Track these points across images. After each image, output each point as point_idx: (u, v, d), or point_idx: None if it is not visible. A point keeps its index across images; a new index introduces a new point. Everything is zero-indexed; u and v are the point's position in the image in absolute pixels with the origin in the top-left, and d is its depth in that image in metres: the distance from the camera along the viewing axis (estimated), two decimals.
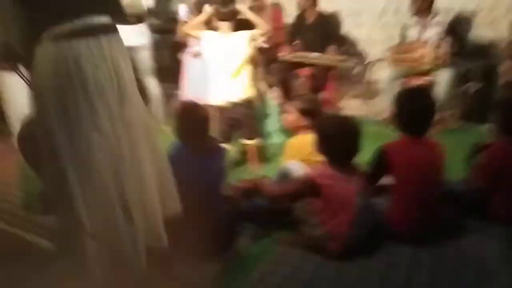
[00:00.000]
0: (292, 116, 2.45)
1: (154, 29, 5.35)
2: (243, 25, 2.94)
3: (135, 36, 3.57)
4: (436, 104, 2.18)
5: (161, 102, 3.96)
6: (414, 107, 2.05)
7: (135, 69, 3.68)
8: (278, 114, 3.21)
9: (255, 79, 3.09)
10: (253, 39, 2.92)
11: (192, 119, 2.00)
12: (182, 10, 3.94)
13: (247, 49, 2.86)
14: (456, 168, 2.43)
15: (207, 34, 2.85)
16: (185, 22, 3.59)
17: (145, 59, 3.75)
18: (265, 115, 3.21)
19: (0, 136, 3.54)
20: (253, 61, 3.05)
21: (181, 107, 2.11)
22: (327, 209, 1.90)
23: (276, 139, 3.18)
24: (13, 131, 3.35)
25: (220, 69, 2.84)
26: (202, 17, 2.83)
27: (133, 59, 3.65)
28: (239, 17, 2.91)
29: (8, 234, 2.22)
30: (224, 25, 2.84)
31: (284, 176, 2.19)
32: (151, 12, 3.79)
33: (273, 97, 3.27)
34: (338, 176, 1.89)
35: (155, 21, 5.52)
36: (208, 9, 2.85)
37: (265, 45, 4.69)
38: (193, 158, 1.99)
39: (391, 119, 2.20)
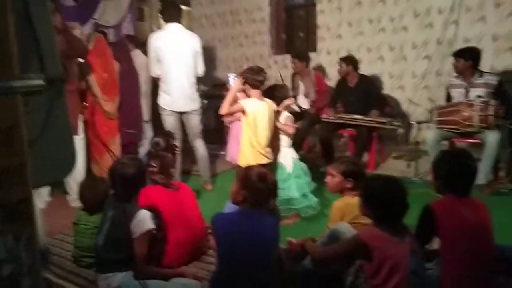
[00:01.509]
0: (336, 179, 2.46)
1: (202, 95, 5.71)
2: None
3: (191, 102, 3.85)
4: (477, 166, 2.14)
5: (208, 163, 4.11)
6: (453, 167, 2.04)
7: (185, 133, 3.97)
8: (308, 175, 3.22)
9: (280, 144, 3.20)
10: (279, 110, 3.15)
11: (263, 183, 2.02)
12: (231, 78, 4.21)
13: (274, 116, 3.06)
14: (509, 232, 2.33)
15: (249, 102, 3.02)
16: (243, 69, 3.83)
17: (196, 122, 3.96)
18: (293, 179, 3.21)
19: (56, 194, 3.80)
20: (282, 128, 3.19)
21: (250, 171, 2.11)
22: (379, 273, 1.84)
23: (308, 203, 3.17)
24: (68, 190, 3.59)
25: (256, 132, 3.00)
26: (230, 95, 3.02)
27: (185, 123, 3.94)
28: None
29: (52, 283, 2.33)
30: (256, 93, 3.03)
31: (334, 238, 2.15)
32: (200, 79, 4.08)
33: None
34: (388, 238, 1.83)
35: (203, 87, 5.92)
36: (235, 82, 3.12)
37: (309, 110, 4.88)
38: (251, 222, 1.99)
39: (431, 181, 2.17)
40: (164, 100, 3.88)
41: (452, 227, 1.94)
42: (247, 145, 3.02)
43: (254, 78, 3.00)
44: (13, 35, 0.83)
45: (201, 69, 3.90)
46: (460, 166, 2.03)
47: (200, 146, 4.01)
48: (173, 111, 3.87)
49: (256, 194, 2.01)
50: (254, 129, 2.98)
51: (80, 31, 5.33)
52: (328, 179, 2.50)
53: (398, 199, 1.86)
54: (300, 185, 3.15)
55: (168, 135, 3.33)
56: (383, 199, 1.88)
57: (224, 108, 3.03)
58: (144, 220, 2.17)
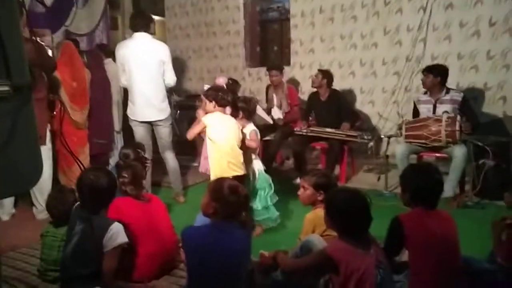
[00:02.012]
0: (307, 191, 2.48)
1: (175, 105, 5.67)
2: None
3: (158, 112, 3.78)
4: (443, 179, 2.20)
5: (179, 175, 4.04)
6: (419, 181, 2.09)
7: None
8: (271, 188, 3.23)
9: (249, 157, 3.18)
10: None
11: (234, 196, 2.00)
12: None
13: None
14: (474, 245, 2.40)
15: (210, 117, 3.01)
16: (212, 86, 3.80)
17: (165, 133, 3.89)
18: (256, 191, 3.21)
19: (22, 206, 3.66)
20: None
21: (221, 183, 2.09)
22: (346, 285, 1.85)
23: (269, 215, 3.17)
24: (34, 202, 3.46)
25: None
26: (199, 128, 3.03)
27: (155, 133, 3.88)
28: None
29: None
30: (221, 109, 3.03)
31: (306, 250, 2.15)
32: (173, 89, 4.04)
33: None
34: (353, 250, 1.85)
35: (176, 97, 5.88)
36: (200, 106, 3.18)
37: (282, 122, 4.92)
38: (222, 235, 1.96)
39: (399, 195, 2.22)
40: (129, 110, 3.84)
41: (420, 239, 1.98)
42: (213, 158, 3.00)
43: (223, 97, 3.00)
44: None
45: (170, 79, 3.81)
46: (427, 179, 2.08)
47: (170, 158, 3.94)
48: (139, 121, 3.81)
49: (227, 207, 1.99)
50: (218, 141, 2.95)
51: (51, 38, 5.23)
52: (300, 191, 2.52)
53: (361, 211, 1.89)
54: (263, 197, 3.15)
55: (137, 146, 3.28)
56: (345, 212, 1.89)
57: (190, 134, 3.07)
58: (117, 233, 2.11)
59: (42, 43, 3.57)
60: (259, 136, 3.28)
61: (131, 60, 3.67)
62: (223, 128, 2.97)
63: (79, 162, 1.49)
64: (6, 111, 0.94)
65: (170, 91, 3.91)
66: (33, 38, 1.59)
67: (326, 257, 1.86)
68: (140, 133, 3.84)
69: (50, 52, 3.97)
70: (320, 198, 2.42)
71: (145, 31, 3.71)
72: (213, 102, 3.00)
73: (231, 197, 2.00)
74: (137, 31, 3.73)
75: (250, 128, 3.21)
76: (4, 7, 0.96)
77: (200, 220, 2.32)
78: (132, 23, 3.79)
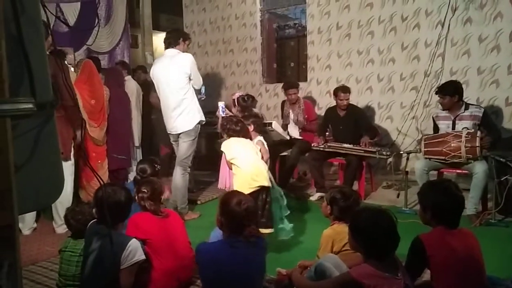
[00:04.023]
0: (323, 205, 2.47)
1: None
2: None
3: (178, 125, 3.82)
4: (463, 196, 2.14)
5: (181, 192, 3.93)
6: (439, 199, 2.03)
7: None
8: (284, 201, 3.22)
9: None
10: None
11: (239, 209, 2.01)
12: (221, 107, 4.24)
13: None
14: (498, 264, 2.33)
15: (225, 143, 3.14)
16: (223, 117, 3.84)
17: (181, 148, 3.87)
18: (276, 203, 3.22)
19: (43, 220, 3.72)
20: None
21: (229, 196, 2.11)
22: None
23: (284, 225, 3.15)
24: (55, 216, 3.52)
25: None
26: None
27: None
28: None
29: None
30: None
31: (320, 273, 2.10)
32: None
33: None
34: (381, 275, 1.74)
35: None
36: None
37: (299, 138, 4.92)
38: (236, 251, 1.96)
39: (418, 213, 2.16)
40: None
41: (443, 258, 1.92)
42: (237, 177, 3.03)
43: (230, 128, 3.12)
44: (5, 59, 0.83)
45: (195, 84, 3.83)
46: (447, 197, 2.01)
47: (177, 174, 3.89)
48: (171, 133, 3.91)
49: (231, 220, 1.99)
50: (238, 164, 3.00)
51: (73, 56, 5.38)
52: (322, 206, 2.51)
53: (388, 232, 1.79)
54: (277, 208, 3.14)
55: (153, 161, 3.32)
56: (372, 232, 1.80)
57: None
58: (135, 250, 2.13)
59: (65, 62, 3.69)
60: (266, 145, 3.32)
61: (160, 77, 3.80)
62: (239, 150, 3.03)
63: (98, 178, 1.51)
64: (29, 127, 0.96)
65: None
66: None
67: (351, 281, 1.76)
68: (175, 145, 3.98)
69: (72, 69, 4.08)
70: (329, 212, 2.41)
71: (173, 47, 3.81)
72: (225, 135, 3.18)
73: (235, 210, 2.00)
74: (166, 48, 3.87)
75: (257, 139, 3.26)
76: (32, 27, 1.00)
77: (214, 236, 2.32)
78: (164, 41, 3.92)
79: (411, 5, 5.08)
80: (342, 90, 4.63)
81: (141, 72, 5.88)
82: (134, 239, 2.17)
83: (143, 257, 2.17)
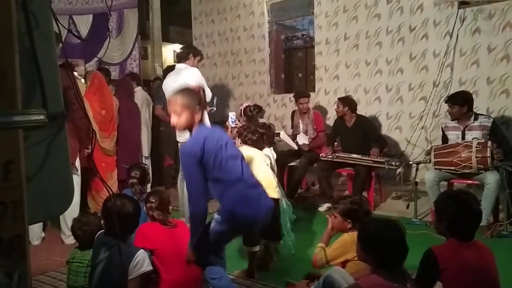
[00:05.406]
0: (337, 219, 2.40)
1: None
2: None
3: (183, 134, 3.84)
4: (481, 211, 2.11)
5: None
6: (456, 211, 2.00)
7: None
8: (290, 213, 3.20)
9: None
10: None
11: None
12: (230, 117, 4.27)
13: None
14: (510, 276, 2.28)
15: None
16: (233, 127, 3.86)
17: None
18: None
19: (51, 229, 3.74)
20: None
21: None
22: None
23: (288, 239, 3.12)
24: (62, 226, 3.53)
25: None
26: None
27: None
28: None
29: None
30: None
31: (329, 285, 2.08)
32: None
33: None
34: (390, 285, 1.71)
35: None
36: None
37: (307, 148, 4.91)
38: None
39: (433, 223, 2.13)
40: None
41: (456, 272, 1.87)
42: None
43: (249, 138, 3.10)
44: (18, 71, 0.85)
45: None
46: (466, 210, 1.96)
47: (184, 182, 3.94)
48: (179, 141, 3.91)
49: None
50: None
51: (84, 68, 5.47)
52: (331, 219, 2.46)
53: (397, 243, 1.77)
54: (285, 220, 3.12)
55: (141, 165, 3.37)
56: (381, 243, 1.78)
57: None
58: (142, 261, 2.13)
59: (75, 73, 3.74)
60: (274, 157, 3.32)
61: (168, 90, 3.84)
62: (249, 159, 3.01)
63: (108, 188, 1.52)
64: (40, 138, 0.98)
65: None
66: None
67: None
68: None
69: (82, 81, 4.14)
70: (349, 226, 2.36)
71: (183, 61, 3.90)
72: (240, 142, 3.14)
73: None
74: (178, 62, 3.98)
75: (265, 151, 3.24)
76: (44, 40, 1.02)
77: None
78: (176, 56, 4.05)
79: (418, 16, 5.09)
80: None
81: (160, 82, 5.97)
82: (141, 250, 2.17)
83: (150, 267, 2.17)
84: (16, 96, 0.85)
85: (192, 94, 2.35)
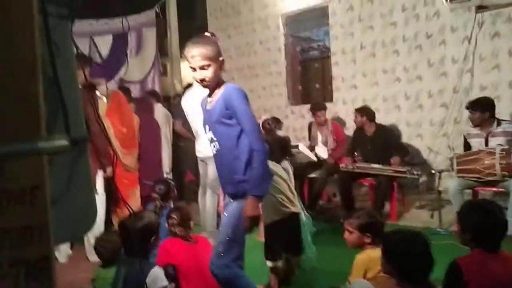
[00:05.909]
0: (353, 235, 2.34)
1: None
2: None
3: (207, 148, 3.87)
4: (507, 221, 2.05)
5: (212, 216, 3.93)
6: (483, 221, 1.95)
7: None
8: (310, 226, 3.16)
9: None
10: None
11: None
12: None
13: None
14: None
15: None
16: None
17: (209, 171, 3.89)
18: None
19: (77, 247, 3.81)
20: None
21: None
22: None
23: (309, 252, 3.08)
24: (86, 244, 3.60)
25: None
26: None
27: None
28: None
29: None
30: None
31: None
32: None
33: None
34: None
35: None
36: None
37: (327, 159, 4.89)
38: None
39: (457, 233, 2.08)
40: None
41: (482, 283, 1.83)
42: (266, 206, 3.02)
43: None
44: (42, 98, 0.89)
45: None
46: (491, 219, 1.91)
47: (206, 197, 3.91)
48: (199, 157, 3.95)
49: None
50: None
51: (105, 87, 5.61)
52: (346, 235, 2.42)
53: (422, 255, 1.75)
54: (306, 234, 3.09)
55: (167, 181, 3.41)
56: (405, 256, 1.76)
57: None
58: (156, 278, 2.14)
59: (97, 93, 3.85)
60: (291, 170, 3.31)
61: (186, 106, 3.90)
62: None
63: (128, 206, 1.55)
64: (64, 163, 1.02)
65: None
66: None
67: None
68: (201, 169, 4.01)
69: (104, 100, 4.25)
70: (367, 240, 2.32)
71: None
72: None
73: None
74: None
75: (282, 164, 3.25)
76: (66, 67, 1.07)
77: None
78: None
79: (435, 22, 5.04)
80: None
81: (179, 99, 6.07)
82: (156, 267, 2.18)
83: (166, 283, 2.17)
84: (40, 123, 0.88)
85: (214, 42, 2.21)
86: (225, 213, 2.20)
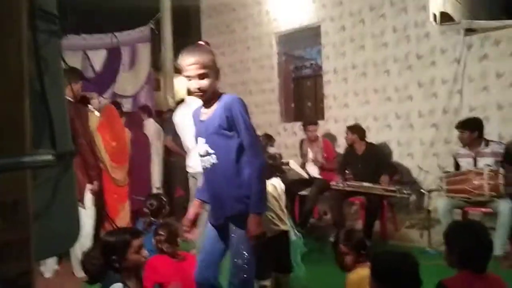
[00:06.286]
0: (349, 256, 2.30)
1: None
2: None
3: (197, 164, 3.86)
4: (492, 242, 2.06)
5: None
6: (468, 242, 1.95)
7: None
8: (301, 245, 3.14)
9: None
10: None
11: None
12: None
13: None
14: None
15: None
16: None
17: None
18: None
19: (65, 262, 3.75)
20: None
21: None
22: None
23: (299, 271, 3.06)
24: (73, 260, 3.54)
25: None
26: None
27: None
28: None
29: None
30: None
31: None
32: None
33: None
34: None
35: None
36: None
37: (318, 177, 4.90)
38: None
39: (444, 256, 2.08)
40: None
41: None
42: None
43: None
44: (28, 114, 0.89)
45: None
46: (477, 240, 1.92)
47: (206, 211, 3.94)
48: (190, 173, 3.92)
49: None
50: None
51: (98, 101, 5.60)
52: (344, 259, 2.34)
53: (410, 276, 1.75)
54: (296, 252, 3.07)
55: (159, 196, 3.38)
56: (394, 276, 1.76)
57: None
58: None
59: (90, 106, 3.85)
60: (282, 187, 3.28)
61: (178, 122, 3.87)
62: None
63: (112, 221, 1.54)
64: (48, 177, 1.01)
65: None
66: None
67: None
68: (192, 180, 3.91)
69: (97, 114, 4.25)
70: (362, 259, 2.31)
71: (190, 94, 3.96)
72: None
73: None
74: (188, 94, 4.00)
75: (271, 181, 3.22)
76: (54, 82, 1.07)
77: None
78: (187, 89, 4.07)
79: (426, 44, 5.13)
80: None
81: (171, 114, 6.08)
82: (116, 284, 2.05)
83: None
84: (25, 138, 0.88)
85: (210, 51, 2.05)
86: (232, 242, 2.08)
